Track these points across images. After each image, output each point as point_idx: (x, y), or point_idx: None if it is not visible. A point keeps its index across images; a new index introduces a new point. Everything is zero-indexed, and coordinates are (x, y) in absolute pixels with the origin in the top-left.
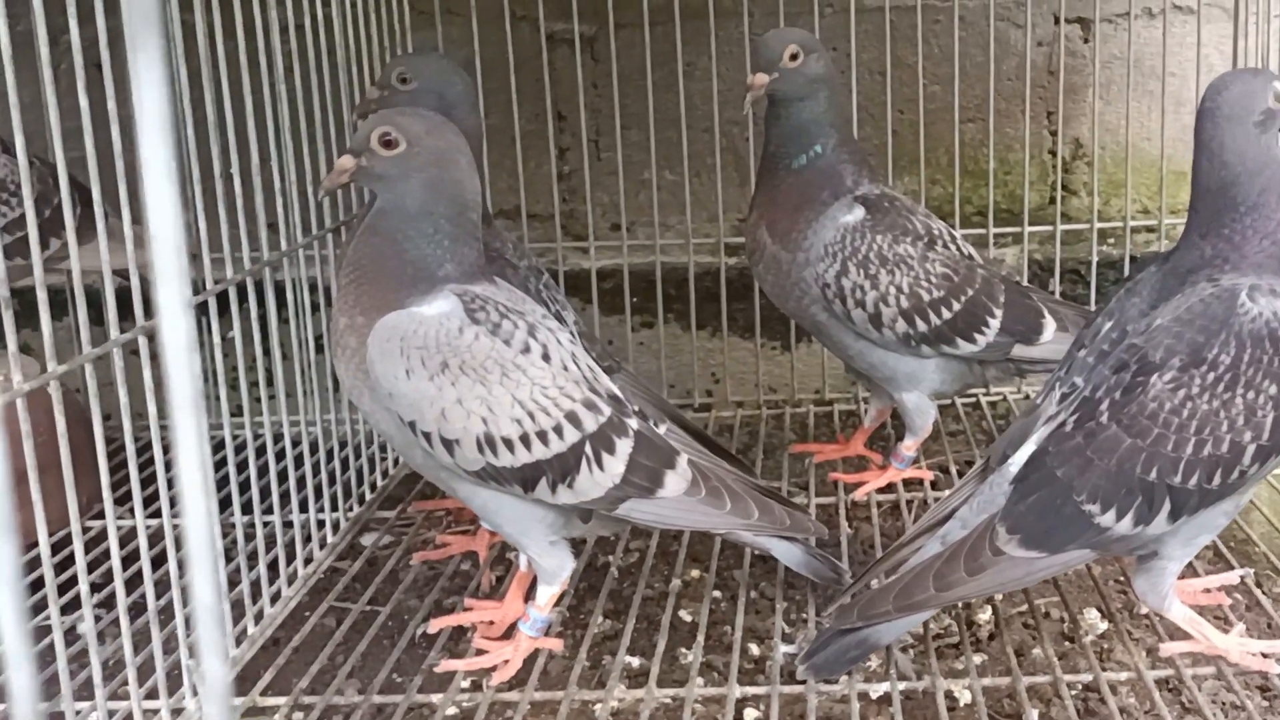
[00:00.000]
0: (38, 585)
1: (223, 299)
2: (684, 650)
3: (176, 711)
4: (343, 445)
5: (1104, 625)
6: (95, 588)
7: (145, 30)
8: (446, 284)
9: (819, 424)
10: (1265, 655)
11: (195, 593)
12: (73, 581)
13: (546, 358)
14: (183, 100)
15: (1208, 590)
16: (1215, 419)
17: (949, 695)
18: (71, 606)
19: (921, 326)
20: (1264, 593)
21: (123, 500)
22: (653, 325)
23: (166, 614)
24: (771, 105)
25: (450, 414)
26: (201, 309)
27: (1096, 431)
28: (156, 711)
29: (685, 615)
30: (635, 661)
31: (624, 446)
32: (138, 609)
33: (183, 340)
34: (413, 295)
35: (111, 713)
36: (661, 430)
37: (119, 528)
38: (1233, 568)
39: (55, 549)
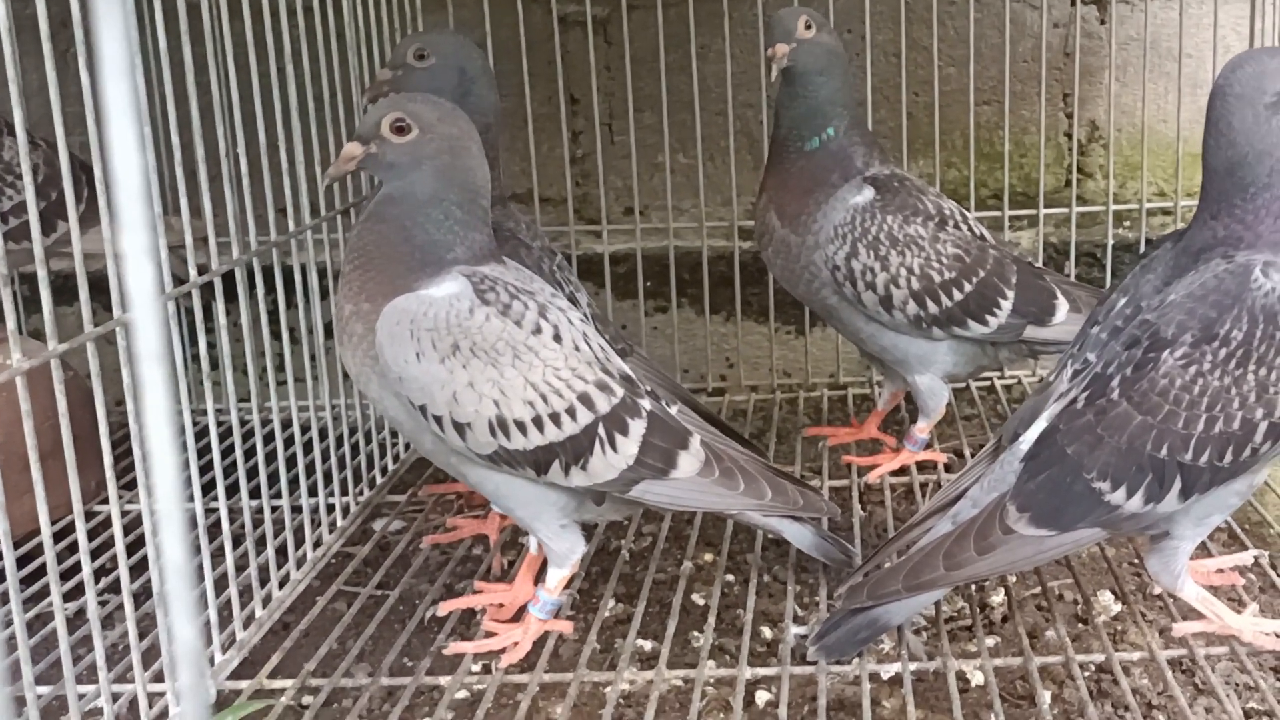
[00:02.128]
0: (44, 570)
1: (231, 283)
2: (696, 633)
3: None
4: (353, 430)
5: (1118, 607)
6: (105, 571)
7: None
8: (455, 266)
9: (833, 407)
10: (1279, 635)
11: (167, 553)
12: (80, 566)
13: (558, 338)
14: (188, 82)
15: (1221, 570)
16: (1227, 395)
17: (961, 676)
18: (78, 592)
19: (933, 308)
20: (1279, 574)
21: (131, 485)
22: (666, 309)
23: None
24: (786, 86)
25: (462, 397)
26: (210, 292)
27: (1107, 408)
28: (162, 694)
29: (697, 599)
30: (647, 645)
31: (637, 427)
32: (146, 594)
33: (155, 338)
34: (421, 278)
35: (116, 695)
36: (673, 411)
37: (125, 512)
38: (1247, 548)
39: (64, 533)
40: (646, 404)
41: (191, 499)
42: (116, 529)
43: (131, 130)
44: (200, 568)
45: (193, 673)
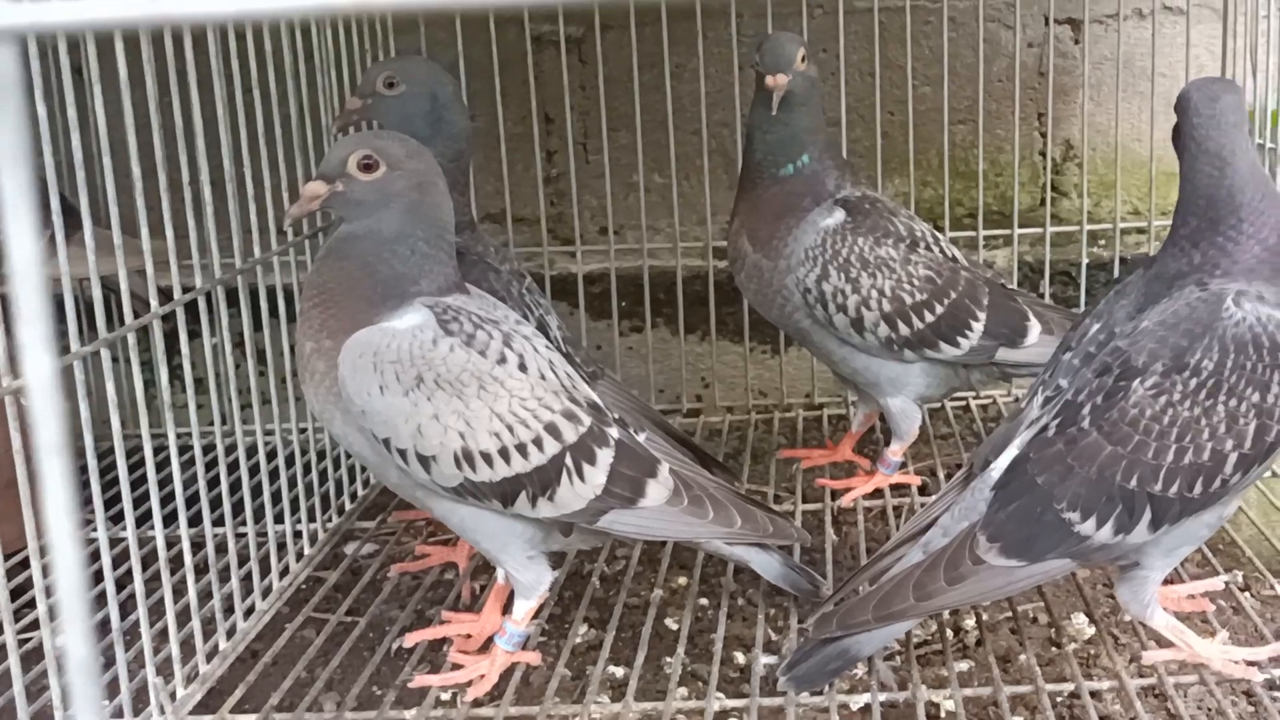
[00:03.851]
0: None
1: (197, 308)
2: (668, 659)
3: None
4: (322, 456)
5: (1090, 630)
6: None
7: None
8: (418, 297)
9: (808, 428)
10: (1249, 663)
11: (69, 649)
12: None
13: (523, 367)
14: (150, 106)
15: (1191, 596)
16: (1197, 426)
17: (931, 705)
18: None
19: (904, 330)
20: (1251, 595)
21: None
22: (641, 330)
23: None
24: (764, 112)
25: (426, 430)
26: (173, 316)
27: (1077, 438)
28: None
29: (670, 624)
30: (618, 672)
31: (605, 456)
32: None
33: (53, 430)
34: (383, 311)
35: None
36: (641, 438)
37: (89, 540)
38: (1218, 573)
39: (23, 566)
40: (614, 432)
41: (153, 527)
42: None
43: (27, 222)
44: (161, 600)
45: None
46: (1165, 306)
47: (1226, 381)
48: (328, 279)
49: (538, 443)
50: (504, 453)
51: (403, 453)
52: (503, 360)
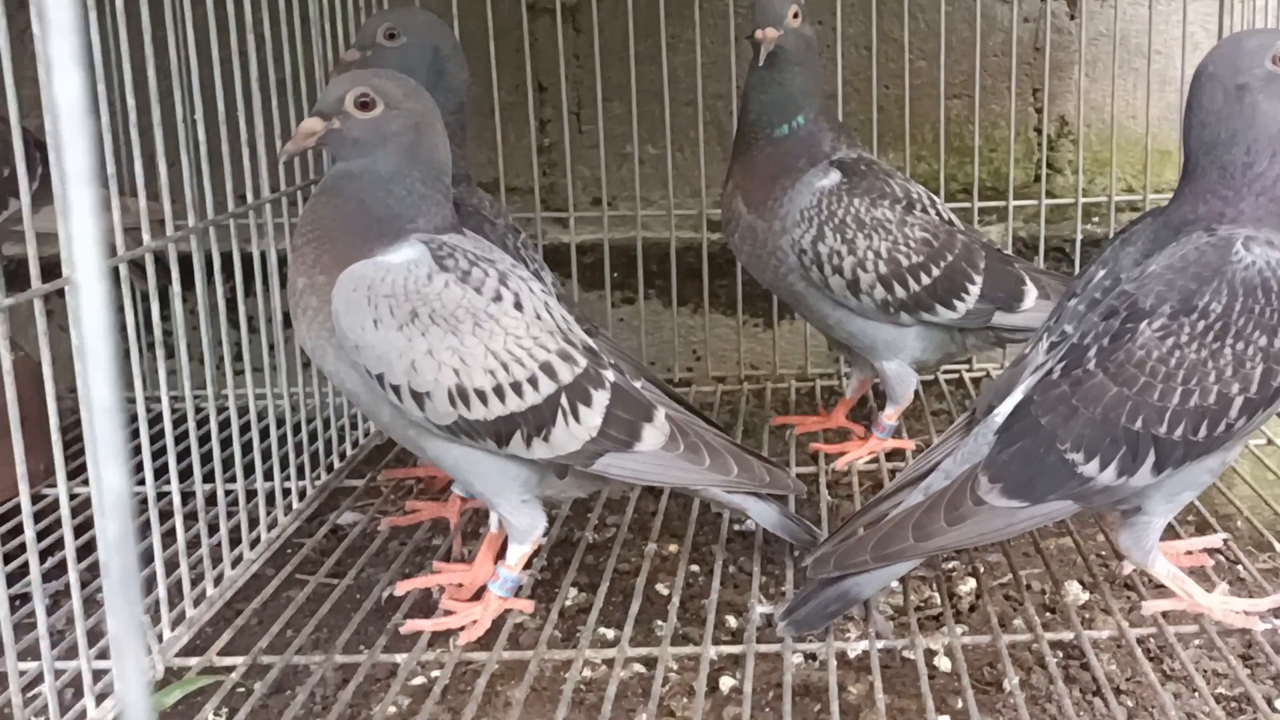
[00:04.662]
0: None
1: (189, 271)
2: (659, 622)
3: None
4: (310, 417)
5: (1086, 596)
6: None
7: None
8: (413, 234)
9: (801, 400)
10: (1248, 613)
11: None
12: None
13: (519, 306)
14: (148, 64)
15: (1189, 552)
16: (1203, 369)
17: (930, 662)
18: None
19: (900, 293)
20: (1248, 564)
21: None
22: (633, 301)
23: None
24: (760, 71)
25: (420, 365)
26: (166, 275)
27: (1083, 379)
28: (106, 671)
29: (661, 588)
30: (609, 633)
31: (600, 399)
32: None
33: (99, 307)
34: (377, 247)
35: (60, 672)
36: (638, 385)
37: (73, 495)
38: (1216, 532)
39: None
40: (610, 375)
41: (143, 482)
42: (64, 511)
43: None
44: (150, 547)
45: (134, 653)
46: (1173, 251)
47: (1234, 325)
48: (322, 215)
49: (533, 382)
50: (499, 391)
51: (396, 389)
52: (498, 298)
